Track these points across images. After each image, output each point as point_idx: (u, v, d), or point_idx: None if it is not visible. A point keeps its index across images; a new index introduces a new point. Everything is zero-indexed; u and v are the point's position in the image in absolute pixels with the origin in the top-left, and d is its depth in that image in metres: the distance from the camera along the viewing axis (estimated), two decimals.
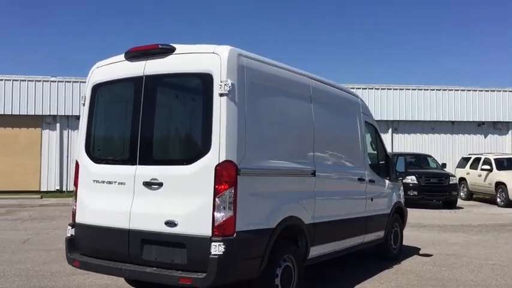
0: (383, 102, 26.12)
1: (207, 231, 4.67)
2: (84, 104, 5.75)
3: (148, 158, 5.15)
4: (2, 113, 22.23)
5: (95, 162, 5.55)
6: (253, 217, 4.99)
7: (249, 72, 5.05)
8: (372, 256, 8.51)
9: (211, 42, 5.00)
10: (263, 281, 5.20)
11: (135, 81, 5.28)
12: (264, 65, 5.40)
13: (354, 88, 25.99)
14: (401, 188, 9.05)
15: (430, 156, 21.22)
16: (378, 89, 26.20)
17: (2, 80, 22.53)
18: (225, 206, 4.67)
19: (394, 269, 7.70)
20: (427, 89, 26.40)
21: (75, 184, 5.71)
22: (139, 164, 5.15)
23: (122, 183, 5.20)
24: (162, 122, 5.25)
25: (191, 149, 4.96)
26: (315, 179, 6.03)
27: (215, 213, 4.66)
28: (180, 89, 5.29)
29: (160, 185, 4.97)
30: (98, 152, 5.62)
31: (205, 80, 4.85)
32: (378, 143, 8.33)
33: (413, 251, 9.28)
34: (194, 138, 5.05)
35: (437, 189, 18.19)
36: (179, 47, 5.11)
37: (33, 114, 22.43)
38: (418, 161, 20.65)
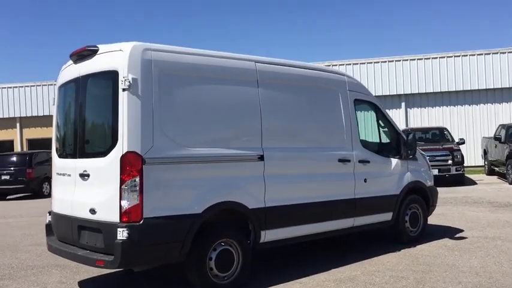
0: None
1: (115, 218, 5.05)
2: (54, 104, 6.48)
3: (83, 152, 5.69)
4: None
5: (58, 156, 6.25)
6: (168, 204, 5.22)
7: (159, 65, 5.27)
8: (385, 239, 8.08)
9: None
10: (190, 263, 5.44)
11: (75, 82, 5.85)
12: (181, 56, 5.54)
13: (458, 56, 23.90)
14: (425, 166, 8.35)
15: None
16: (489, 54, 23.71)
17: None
18: (130, 195, 5.00)
19: (398, 253, 7.24)
20: None
21: (51, 176, 6.47)
22: (78, 157, 5.71)
23: (69, 175, 5.82)
24: (90, 119, 5.75)
25: (107, 142, 5.34)
26: (263, 163, 6.00)
27: (121, 202, 5.02)
28: (100, 87, 5.68)
29: (88, 176, 5.47)
30: (59, 147, 6.31)
31: (113, 76, 5.20)
32: (381, 120, 7.81)
33: (450, 233, 8.57)
34: (108, 132, 5.41)
35: None
36: (101, 48, 5.53)
37: None
38: None
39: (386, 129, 7.91)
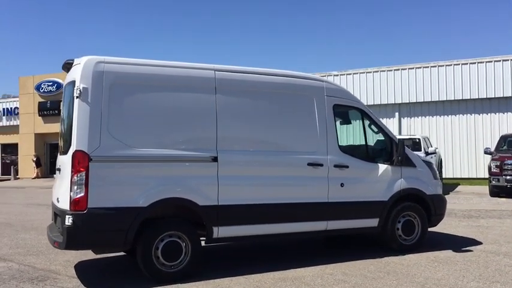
0: None
1: (67, 206, 5.93)
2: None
3: (62, 150, 6.67)
4: None
5: (59, 154, 7.34)
6: (113, 197, 5.96)
7: (110, 76, 6.06)
8: (378, 246, 7.96)
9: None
10: (138, 251, 6.13)
11: (65, 87, 6.87)
12: (134, 67, 6.25)
13: None
14: (427, 173, 7.97)
15: None
16: None
17: None
18: (78, 187, 5.85)
19: (375, 260, 7.11)
20: None
21: None
22: (61, 155, 6.72)
23: (57, 169, 6.86)
24: (65, 121, 6.69)
25: (69, 141, 6.24)
26: (217, 164, 6.46)
27: (71, 193, 5.89)
28: (69, 94, 6.55)
29: (60, 170, 6.44)
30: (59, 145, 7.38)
31: (73, 85, 6.10)
32: (369, 126, 7.70)
33: (461, 244, 8.11)
34: (70, 133, 6.27)
35: None
36: (75, 61, 6.45)
37: None
38: None
39: (377, 135, 7.80)
